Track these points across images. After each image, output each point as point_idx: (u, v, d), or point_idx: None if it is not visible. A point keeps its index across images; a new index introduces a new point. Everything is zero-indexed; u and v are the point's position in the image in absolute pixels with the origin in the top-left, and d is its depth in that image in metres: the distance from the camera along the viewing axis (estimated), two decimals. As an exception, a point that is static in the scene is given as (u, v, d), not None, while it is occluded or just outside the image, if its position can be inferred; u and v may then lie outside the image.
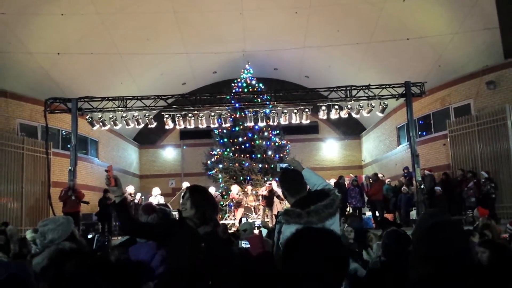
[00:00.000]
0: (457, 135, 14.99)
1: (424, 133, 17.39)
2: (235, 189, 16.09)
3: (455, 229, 2.53)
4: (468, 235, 2.61)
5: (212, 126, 16.45)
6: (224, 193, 17.42)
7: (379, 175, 15.55)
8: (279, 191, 14.28)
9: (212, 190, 15.69)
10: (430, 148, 16.73)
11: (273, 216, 13.86)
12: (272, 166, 18.00)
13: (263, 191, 15.31)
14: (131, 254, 3.48)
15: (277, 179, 14.67)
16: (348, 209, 15.00)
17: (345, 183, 15.49)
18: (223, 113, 15.60)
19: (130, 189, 15.39)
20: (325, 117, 15.09)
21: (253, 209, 16.22)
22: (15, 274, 2.65)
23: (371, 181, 15.26)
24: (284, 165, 3.78)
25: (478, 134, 14.22)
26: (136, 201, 15.02)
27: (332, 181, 14.53)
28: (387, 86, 14.30)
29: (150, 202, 6.06)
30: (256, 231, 7.87)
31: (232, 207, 16.31)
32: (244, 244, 5.54)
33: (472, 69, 14.79)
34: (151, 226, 3.35)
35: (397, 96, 14.37)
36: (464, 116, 14.84)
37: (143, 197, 15.97)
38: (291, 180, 3.27)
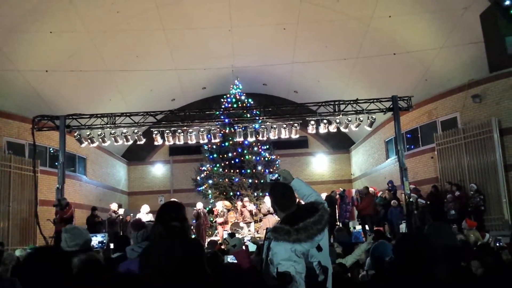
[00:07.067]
0: (444, 148, 15.12)
1: (412, 147, 17.52)
2: (219, 205, 16.05)
3: (419, 242, 2.58)
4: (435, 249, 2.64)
5: (201, 141, 16.40)
6: (214, 209, 17.33)
7: (370, 189, 15.55)
8: (268, 205, 14.29)
9: (199, 206, 15.66)
10: (418, 161, 16.84)
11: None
12: (262, 181, 17.98)
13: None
14: (121, 270, 3.54)
15: (267, 193, 14.68)
16: (338, 223, 14.99)
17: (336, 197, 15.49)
18: (213, 128, 15.57)
19: (113, 206, 15.31)
20: (314, 131, 15.16)
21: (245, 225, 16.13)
22: None
23: (360, 195, 15.25)
24: (274, 176, 3.76)
25: (465, 147, 14.36)
26: (121, 217, 14.99)
27: (324, 195, 14.52)
28: (375, 100, 14.43)
29: (139, 218, 6.05)
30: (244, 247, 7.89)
31: (216, 223, 16.22)
32: (231, 259, 5.56)
33: (458, 83, 14.99)
34: None
35: (384, 110, 14.49)
36: (451, 129, 15.00)
37: (131, 214, 15.88)
38: (281, 195, 3.27)
